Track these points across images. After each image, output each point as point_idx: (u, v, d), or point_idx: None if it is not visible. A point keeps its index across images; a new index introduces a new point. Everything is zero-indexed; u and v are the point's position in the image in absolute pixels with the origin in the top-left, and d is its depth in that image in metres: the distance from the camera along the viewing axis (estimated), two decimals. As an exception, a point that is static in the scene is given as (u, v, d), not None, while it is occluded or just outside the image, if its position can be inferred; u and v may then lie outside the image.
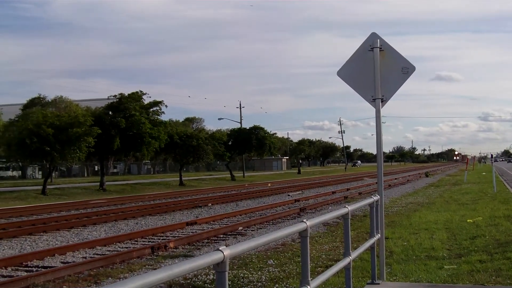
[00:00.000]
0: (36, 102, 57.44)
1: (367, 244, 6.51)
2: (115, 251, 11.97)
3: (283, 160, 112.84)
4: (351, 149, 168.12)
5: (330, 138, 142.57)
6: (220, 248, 2.80)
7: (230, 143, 60.30)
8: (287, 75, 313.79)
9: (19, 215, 20.83)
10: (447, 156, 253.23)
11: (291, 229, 4.10)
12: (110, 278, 9.20)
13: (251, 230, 15.36)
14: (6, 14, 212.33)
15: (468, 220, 14.26)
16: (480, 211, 16.50)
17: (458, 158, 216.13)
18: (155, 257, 11.21)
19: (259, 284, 8.18)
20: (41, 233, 15.54)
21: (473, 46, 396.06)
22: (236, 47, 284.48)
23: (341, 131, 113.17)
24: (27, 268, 10.18)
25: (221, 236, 14.29)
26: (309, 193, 31.41)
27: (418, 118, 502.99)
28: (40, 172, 70.59)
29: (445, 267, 8.47)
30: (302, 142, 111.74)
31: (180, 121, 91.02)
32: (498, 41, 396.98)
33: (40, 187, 34.60)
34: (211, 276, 8.57)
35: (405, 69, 7.09)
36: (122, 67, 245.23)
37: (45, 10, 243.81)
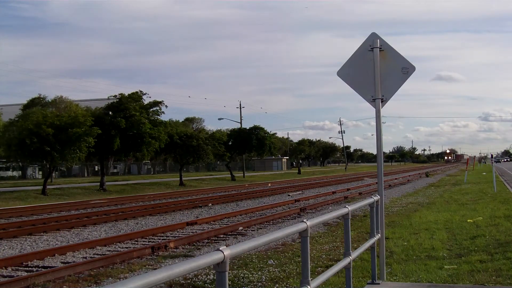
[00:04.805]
0: (36, 102, 57.37)
1: (367, 244, 6.51)
2: (115, 251, 11.97)
3: (283, 160, 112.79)
4: (352, 149, 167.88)
5: (330, 138, 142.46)
6: (220, 248, 2.80)
7: (230, 143, 60.27)
8: (287, 75, 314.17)
9: (19, 215, 20.83)
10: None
11: (291, 229, 4.10)
12: (110, 278, 9.20)
13: (251, 230, 15.36)
14: (5, 14, 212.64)
15: (468, 220, 14.26)
16: (480, 211, 16.49)
17: (451, 158, 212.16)
18: (155, 257, 11.21)
19: (259, 284, 8.18)
20: (41, 233, 15.54)
21: (473, 46, 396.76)
22: (236, 47, 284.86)
23: (341, 131, 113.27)
24: (27, 268, 10.19)
25: (221, 236, 14.29)
26: (309, 193, 31.40)
27: (418, 118, 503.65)
28: (40, 172, 70.52)
29: (445, 267, 8.47)
30: (302, 142, 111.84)
31: (180, 121, 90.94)
32: (498, 41, 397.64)
33: (40, 187, 34.58)
34: (211, 276, 8.58)
35: (405, 69, 7.09)
36: (122, 67, 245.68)
37: (42, 10, 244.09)
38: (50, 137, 31.47)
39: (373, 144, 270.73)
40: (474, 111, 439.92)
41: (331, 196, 28.41)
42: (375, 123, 7.30)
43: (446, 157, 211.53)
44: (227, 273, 2.83)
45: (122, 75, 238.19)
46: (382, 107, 7.08)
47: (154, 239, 13.93)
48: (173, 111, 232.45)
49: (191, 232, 14.84)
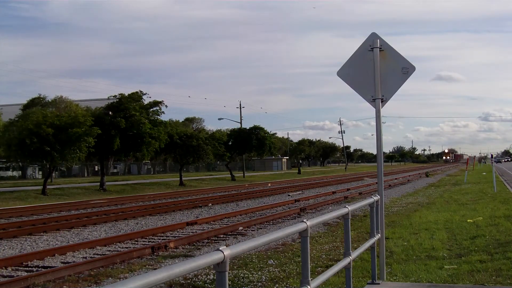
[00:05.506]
0: (36, 102, 57.39)
1: (367, 244, 6.51)
2: (115, 251, 11.97)
3: (283, 160, 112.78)
4: (352, 149, 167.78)
5: (330, 138, 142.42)
6: (220, 248, 2.80)
7: (230, 143, 60.27)
8: (287, 75, 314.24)
9: (19, 215, 20.83)
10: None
11: (291, 229, 4.10)
12: (110, 278, 9.20)
13: (251, 230, 15.36)
14: (5, 14, 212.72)
15: (468, 220, 14.26)
16: (480, 211, 16.49)
17: (449, 158, 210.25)
18: (155, 257, 11.21)
19: (259, 284, 8.18)
20: (41, 233, 15.54)
21: (473, 46, 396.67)
22: (236, 47, 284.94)
23: (341, 131, 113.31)
24: (27, 268, 10.19)
25: (221, 236, 14.29)
26: (309, 193, 31.40)
27: (418, 118, 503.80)
28: (40, 172, 70.49)
29: (445, 267, 8.47)
30: (302, 142, 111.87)
31: (180, 121, 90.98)
32: (498, 41, 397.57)
33: (40, 187, 34.58)
34: (211, 276, 8.58)
35: (405, 69, 7.09)
36: (122, 67, 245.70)
37: (42, 10, 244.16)
38: (50, 137, 31.46)
39: (373, 144, 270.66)
40: (474, 111, 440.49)
41: (331, 196, 28.41)
42: (375, 123, 7.31)
43: (444, 157, 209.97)
44: (227, 273, 2.83)
45: (122, 75, 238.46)
46: (382, 107, 7.08)
47: (154, 239, 13.93)
48: (173, 111, 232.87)
49: (191, 232, 14.84)
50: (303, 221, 4.22)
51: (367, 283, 6.90)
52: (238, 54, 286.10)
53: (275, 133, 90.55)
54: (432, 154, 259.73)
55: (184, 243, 12.87)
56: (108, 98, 40.59)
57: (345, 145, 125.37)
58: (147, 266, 10.23)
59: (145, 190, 39.65)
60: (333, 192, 31.51)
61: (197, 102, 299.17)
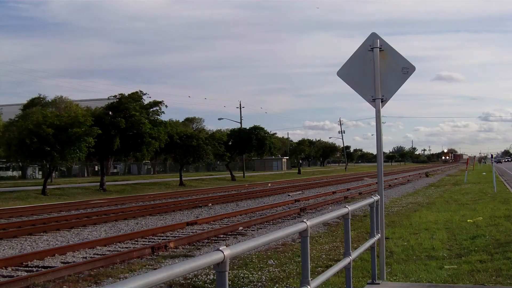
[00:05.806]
0: (36, 102, 57.41)
1: (367, 244, 6.51)
2: (115, 251, 11.97)
3: (283, 160, 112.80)
4: (351, 149, 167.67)
5: (330, 138, 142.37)
6: (220, 248, 2.80)
7: (230, 143, 60.27)
8: (287, 75, 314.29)
9: (19, 215, 20.83)
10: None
11: (291, 229, 4.10)
12: (110, 278, 9.20)
13: (251, 230, 15.36)
14: (5, 14, 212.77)
15: (468, 220, 14.26)
16: (480, 211, 16.50)
17: (448, 158, 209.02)
18: (155, 257, 11.21)
19: (259, 284, 8.18)
20: (41, 233, 15.54)
21: (473, 46, 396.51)
22: (236, 47, 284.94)
23: (341, 131, 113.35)
24: (27, 268, 10.19)
25: (221, 236, 14.29)
26: (309, 193, 31.40)
27: (418, 118, 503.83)
28: (40, 172, 70.50)
29: (445, 267, 8.47)
30: (302, 142, 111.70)
31: (180, 121, 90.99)
32: (498, 41, 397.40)
33: (40, 187, 34.59)
34: (211, 276, 8.58)
35: (405, 69, 7.09)
36: (122, 67, 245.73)
37: (42, 10, 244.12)
38: (50, 137, 31.46)
39: (373, 144, 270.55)
40: (474, 111, 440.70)
41: (331, 196, 28.40)
42: (375, 123, 7.31)
43: (443, 157, 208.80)
44: (227, 273, 2.83)
45: (122, 75, 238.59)
46: (382, 107, 7.08)
47: (154, 239, 13.93)
48: (173, 111, 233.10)
49: (191, 232, 14.84)
50: (303, 221, 4.22)
51: (367, 283, 6.90)
52: (238, 54, 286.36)
53: (275, 133, 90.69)
54: (432, 154, 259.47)
55: (184, 243, 12.87)
56: (108, 98, 40.59)
57: (345, 145, 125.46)
58: (147, 266, 10.23)
59: (145, 190, 39.65)
60: (333, 192, 31.51)
61: (197, 102, 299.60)
